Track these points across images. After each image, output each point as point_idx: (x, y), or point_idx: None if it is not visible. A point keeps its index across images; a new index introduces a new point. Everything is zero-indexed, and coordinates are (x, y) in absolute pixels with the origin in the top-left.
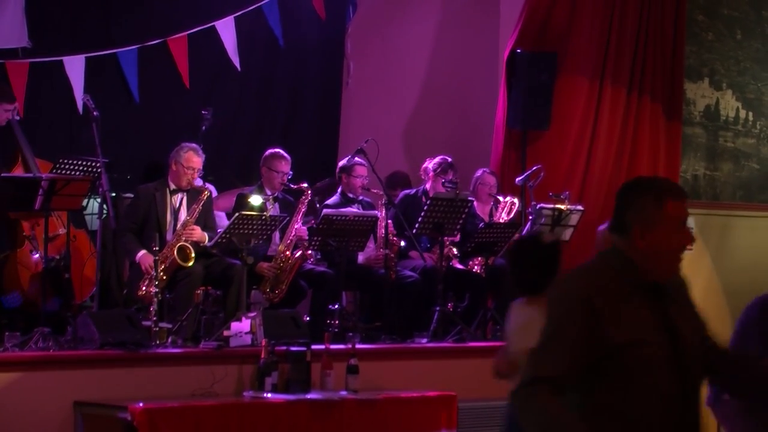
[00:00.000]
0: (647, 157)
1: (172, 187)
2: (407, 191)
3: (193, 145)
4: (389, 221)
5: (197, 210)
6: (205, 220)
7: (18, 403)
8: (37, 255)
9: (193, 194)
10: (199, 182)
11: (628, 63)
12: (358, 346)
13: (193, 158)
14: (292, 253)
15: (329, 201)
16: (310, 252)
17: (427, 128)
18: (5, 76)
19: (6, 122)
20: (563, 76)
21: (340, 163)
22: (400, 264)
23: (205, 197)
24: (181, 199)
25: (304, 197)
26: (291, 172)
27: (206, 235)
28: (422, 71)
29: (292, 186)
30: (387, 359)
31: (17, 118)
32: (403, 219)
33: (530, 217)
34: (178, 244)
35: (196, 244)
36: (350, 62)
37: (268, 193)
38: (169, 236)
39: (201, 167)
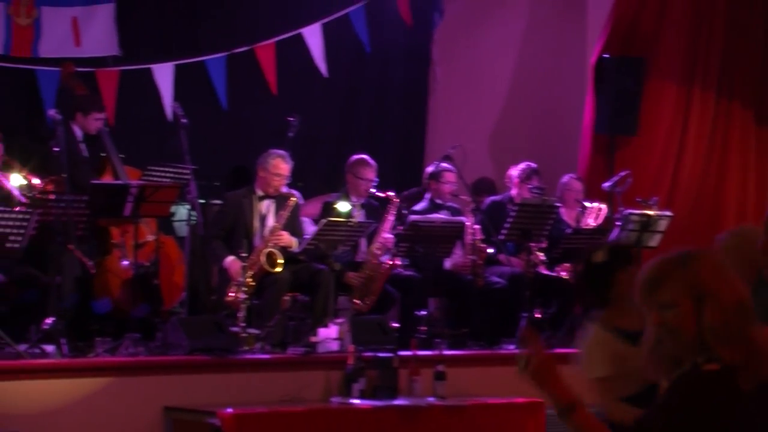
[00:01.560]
0: (736, 163)
1: (260, 193)
2: (493, 198)
3: (281, 151)
4: (477, 227)
5: (285, 216)
6: (293, 226)
7: (109, 408)
8: (127, 262)
9: (281, 200)
10: (285, 189)
11: (717, 68)
12: (445, 352)
13: (280, 165)
14: (380, 262)
15: (417, 207)
16: (398, 262)
17: (513, 134)
18: (95, 85)
19: (97, 131)
20: (651, 82)
21: (429, 169)
22: (488, 270)
23: (292, 203)
24: (269, 206)
25: (391, 206)
26: (377, 179)
27: (294, 240)
28: (508, 77)
29: (378, 194)
30: (474, 365)
31: (106, 127)
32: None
33: (617, 223)
34: (266, 250)
35: (284, 250)
36: (437, 68)
37: (354, 199)
38: (256, 242)
39: (288, 174)
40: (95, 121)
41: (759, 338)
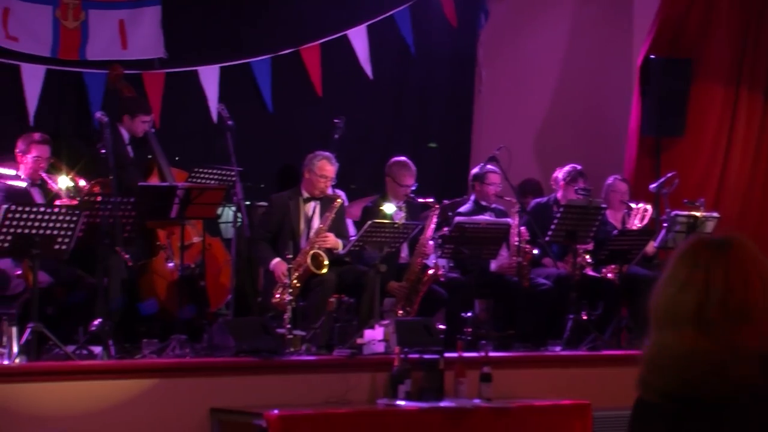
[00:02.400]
0: None
1: (305, 195)
2: (538, 200)
3: (327, 153)
4: (522, 229)
5: (330, 217)
6: (338, 228)
7: (155, 409)
8: (173, 263)
9: (326, 202)
10: (330, 190)
11: (764, 67)
12: (491, 354)
13: (326, 167)
14: (423, 270)
15: (462, 209)
16: (441, 272)
17: (559, 135)
18: (142, 87)
19: (143, 133)
20: (698, 83)
21: (473, 171)
22: (533, 272)
23: (337, 205)
24: (315, 207)
25: (432, 212)
26: (416, 184)
27: (339, 242)
28: (554, 78)
29: (418, 200)
30: (520, 367)
31: (152, 129)
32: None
33: (664, 225)
34: (312, 252)
35: (329, 252)
36: (482, 70)
37: (393, 202)
38: (302, 244)
39: (334, 176)
40: (142, 124)
41: None
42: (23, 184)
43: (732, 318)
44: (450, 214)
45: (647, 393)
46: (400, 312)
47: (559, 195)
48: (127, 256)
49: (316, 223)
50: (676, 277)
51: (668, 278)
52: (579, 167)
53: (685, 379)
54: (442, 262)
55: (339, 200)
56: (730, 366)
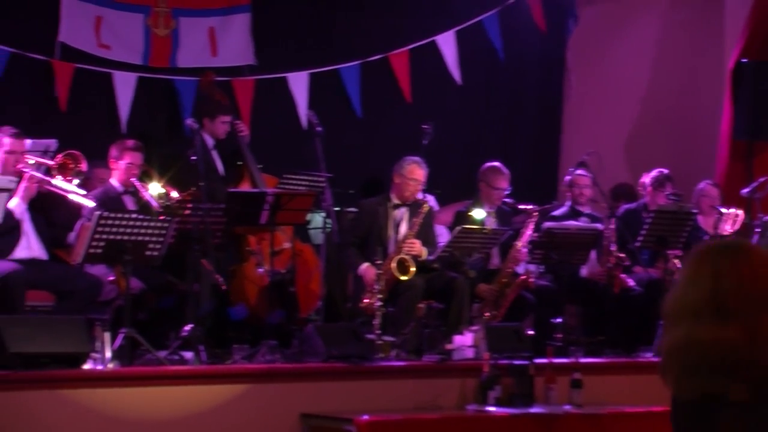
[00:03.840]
0: None
1: (395, 201)
2: (627, 206)
3: (417, 158)
4: (611, 234)
5: (417, 223)
6: (425, 235)
7: (246, 414)
8: (263, 269)
9: (415, 208)
10: (420, 195)
11: None
12: (581, 360)
13: (416, 170)
14: (513, 276)
15: (557, 212)
16: (532, 280)
17: (649, 140)
18: (232, 94)
19: (225, 135)
20: None
21: (567, 177)
22: (624, 277)
23: (425, 211)
24: (403, 214)
25: (530, 219)
26: (510, 188)
27: (425, 250)
28: (644, 82)
29: (517, 206)
30: (611, 374)
31: (243, 133)
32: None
33: (756, 230)
34: (398, 257)
35: (415, 258)
36: (571, 74)
37: (487, 207)
38: (391, 250)
39: (424, 180)
40: (222, 125)
41: None
42: (91, 203)
43: (751, 306)
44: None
45: (681, 391)
46: (487, 315)
47: (647, 200)
48: (220, 280)
49: (403, 228)
50: (687, 276)
51: (680, 280)
52: (666, 171)
53: (714, 368)
54: (533, 267)
55: (427, 206)
56: (756, 353)
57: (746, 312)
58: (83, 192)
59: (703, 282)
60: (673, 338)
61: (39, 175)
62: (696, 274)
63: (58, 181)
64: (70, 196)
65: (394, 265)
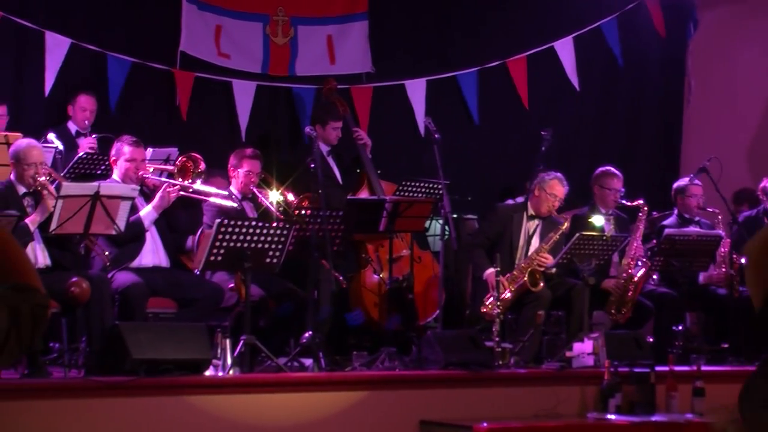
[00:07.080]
0: None
1: (531, 212)
2: (747, 213)
3: (559, 174)
4: (731, 240)
5: (553, 239)
6: (556, 252)
7: (365, 421)
8: (380, 276)
9: (549, 223)
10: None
11: None
12: (703, 368)
13: (557, 186)
14: (634, 272)
15: (667, 221)
16: (653, 274)
17: None
18: (350, 101)
19: (337, 140)
20: None
21: (675, 184)
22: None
23: (563, 228)
24: (537, 226)
25: (641, 214)
26: (623, 189)
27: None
28: (766, 86)
29: (626, 203)
30: (735, 382)
31: (362, 141)
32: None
33: None
34: (530, 269)
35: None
36: (691, 79)
37: (602, 211)
38: (516, 259)
39: (563, 197)
40: (333, 131)
41: None
42: (233, 204)
43: None
44: (656, 222)
45: None
46: (613, 312)
47: (767, 205)
48: (341, 278)
49: (535, 241)
50: None
51: None
52: None
53: None
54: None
55: (566, 225)
56: None
57: None
58: (225, 193)
59: None
60: None
61: (177, 182)
62: None
63: (198, 186)
64: (211, 199)
65: (526, 276)
